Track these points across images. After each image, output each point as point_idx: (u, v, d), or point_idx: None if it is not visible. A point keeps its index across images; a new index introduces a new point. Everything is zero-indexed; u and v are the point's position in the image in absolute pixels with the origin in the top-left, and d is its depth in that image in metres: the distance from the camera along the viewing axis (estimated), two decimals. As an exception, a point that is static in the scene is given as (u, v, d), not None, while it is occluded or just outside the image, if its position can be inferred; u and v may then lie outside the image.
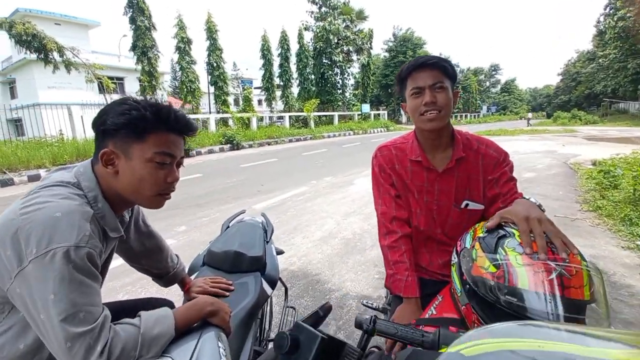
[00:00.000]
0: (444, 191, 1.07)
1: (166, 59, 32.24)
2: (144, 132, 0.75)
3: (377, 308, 1.42)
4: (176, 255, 1.19)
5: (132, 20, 14.77)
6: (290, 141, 16.46)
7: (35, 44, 10.49)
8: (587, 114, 32.50)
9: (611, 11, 30.91)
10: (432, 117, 0.97)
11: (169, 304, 1.11)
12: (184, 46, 16.97)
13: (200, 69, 19.22)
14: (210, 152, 12.32)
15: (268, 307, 1.55)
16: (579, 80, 42.89)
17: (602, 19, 34.00)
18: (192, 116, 16.17)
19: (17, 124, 17.61)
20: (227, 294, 1.09)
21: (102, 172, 0.77)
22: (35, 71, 17.92)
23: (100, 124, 0.76)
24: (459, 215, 1.07)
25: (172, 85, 37.52)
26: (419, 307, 1.02)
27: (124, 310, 0.95)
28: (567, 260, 0.60)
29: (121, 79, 22.96)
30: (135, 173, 0.76)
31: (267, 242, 1.44)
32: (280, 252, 1.60)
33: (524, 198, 0.85)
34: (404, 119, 36.50)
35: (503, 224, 0.74)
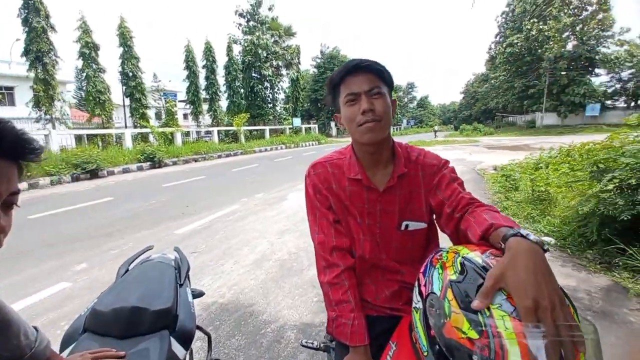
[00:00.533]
0: (387, 212, 0.94)
1: (70, 67, 28.32)
2: None
3: (319, 347, 1.24)
4: (35, 329, 0.84)
5: (25, 22, 12.63)
6: (220, 157, 15.62)
7: None
8: (485, 126, 37.84)
9: (501, 39, 37.04)
10: (371, 126, 0.84)
11: None
12: (89, 52, 15.03)
13: (114, 79, 17.28)
14: (126, 171, 10.95)
15: None
16: (477, 97, 49.97)
17: (493, 45, 40.51)
18: (103, 131, 14.52)
19: None
20: (116, 371, 0.80)
21: None
22: None
23: None
24: (401, 238, 0.95)
25: (77, 96, 33.00)
26: (368, 356, 0.88)
27: None
28: (565, 321, 0.47)
29: (11, 88, 19.36)
30: None
31: (181, 284, 1.16)
32: (199, 295, 1.33)
33: (521, 235, 0.57)
34: (334, 131, 37.87)
35: (484, 264, 0.57)
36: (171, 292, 1.03)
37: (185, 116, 30.20)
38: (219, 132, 19.64)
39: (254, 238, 3.96)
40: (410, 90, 74.24)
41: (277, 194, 6.44)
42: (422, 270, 0.66)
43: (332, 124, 39.07)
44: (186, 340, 1.00)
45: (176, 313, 1.00)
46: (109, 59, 18.14)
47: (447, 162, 0.98)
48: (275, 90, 27.29)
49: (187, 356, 1.16)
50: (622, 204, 2.82)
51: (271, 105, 26.84)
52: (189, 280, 1.28)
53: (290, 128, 26.52)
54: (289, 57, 27.45)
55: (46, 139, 11.12)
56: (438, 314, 0.56)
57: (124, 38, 16.49)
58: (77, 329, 0.94)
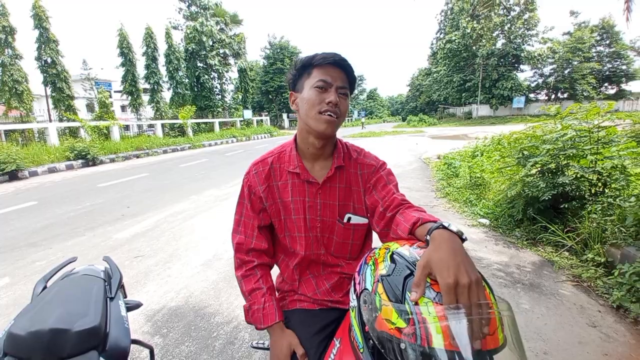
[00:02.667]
0: (327, 205, 0.96)
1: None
2: None
3: (269, 348, 1.21)
4: None
5: None
6: (165, 152, 14.61)
7: None
8: (429, 117, 40.32)
9: (441, 35, 39.36)
10: (330, 120, 0.86)
11: None
12: (4, 37, 12.97)
13: (33, 67, 15.13)
14: (52, 171, 9.72)
15: None
16: (421, 90, 52.84)
17: (434, 41, 42.95)
18: (22, 126, 12.70)
19: None
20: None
21: None
22: None
23: None
24: (343, 232, 0.98)
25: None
26: (288, 332, 0.93)
27: None
28: (481, 300, 0.51)
29: None
30: None
31: (112, 297, 1.05)
32: (135, 307, 1.21)
33: (443, 227, 0.62)
34: (286, 124, 37.52)
35: (412, 257, 0.60)
36: (98, 308, 0.93)
37: (123, 108, 27.73)
38: (163, 125, 18.31)
39: (203, 238, 3.77)
40: (360, 82, 75.99)
41: (228, 190, 6.20)
42: (357, 270, 0.68)
43: (284, 116, 38.65)
44: (120, 358, 0.90)
45: (106, 331, 0.90)
46: (28, 44, 15.88)
47: (384, 163, 1.02)
48: (224, 81, 26.12)
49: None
50: (544, 186, 3.18)
51: (220, 96, 25.67)
52: (123, 292, 1.17)
53: (241, 120, 25.66)
54: (236, 47, 26.36)
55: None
56: (370, 309, 0.57)
57: (39, 19, 14.43)
58: None
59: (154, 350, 1.28)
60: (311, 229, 0.97)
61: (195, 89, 23.35)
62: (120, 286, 1.13)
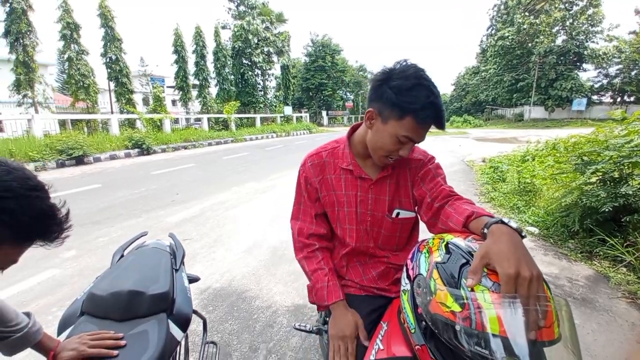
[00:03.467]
0: (378, 200, 1.00)
1: (52, 49, 27.22)
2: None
3: (312, 330, 1.28)
4: (26, 314, 0.84)
5: (5, 1, 12.03)
6: (210, 145, 15.42)
7: None
8: (475, 118, 38.36)
9: (492, 32, 37.16)
10: (390, 163, 0.92)
11: None
12: (70, 33, 14.42)
13: (99, 62, 16.68)
14: (113, 158, 10.71)
15: (183, 349, 1.27)
16: (468, 90, 50.31)
17: (484, 38, 40.65)
18: (88, 116, 14.08)
19: None
20: (115, 352, 0.81)
21: None
22: None
23: None
24: (391, 226, 1.02)
25: (59, 80, 31.86)
26: (352, 311, 0.96)
27: None
28: (539, 294, 0.52)
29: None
30: None
31: (177, 270, 1.17)
32: (194, 280, 1.34)
33: (502, 222, 0.62)
34: (325, 121, 37.72)
35: (468, 247, 0.61)
36: (167, 277, 1.04)
37: (173, 102, 29.55)
38: (209, 119, 19.31)
39: (245, 226, 3.97)
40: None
41: (268, 183, 6.43)
42: (409, 257, 0.71)
43: (324, 113, 38.88)
44: (183, 324, 1.01)
45: (173, 297, 1.01)
46: (94, 41, 17.51)
47: (433, 157, 1.04)
48: (266, 77, 26.86)
49: (184, 339, 1.18)
50: (604, 196, 2.93)
51: (262, 92, 26.45)
52: (184, 266, 1.29)
53: (281, 116, 26.26)
54: (280, 44, 26.94)
55: (29, 123, 10.76)
56: (424, 292, 0.60)
57: (105, 19, 15.83)
58: (75, 312, 0.95)
59: (206, 321, 1.40)
60: (362, 222, 1.02)
61: (240, 85, 24.27)
62: (182, 261, 1.26)
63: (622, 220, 2.92)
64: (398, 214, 1.00)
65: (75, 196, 5.53)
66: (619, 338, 1.92)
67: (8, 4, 12.13)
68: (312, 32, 43.69)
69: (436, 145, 14.40)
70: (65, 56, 14.82)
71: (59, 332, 0.91)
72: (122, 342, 0.83)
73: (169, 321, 0.95)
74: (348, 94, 48.53)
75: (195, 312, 1.22)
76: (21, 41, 12.53)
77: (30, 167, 8.28)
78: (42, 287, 2.59)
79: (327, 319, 1.15)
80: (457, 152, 11.51)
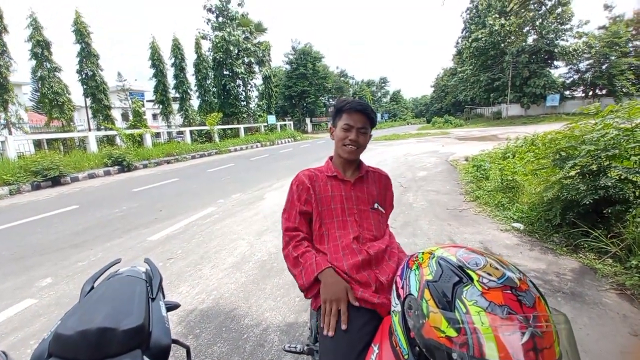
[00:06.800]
0: (361, 197, 1.27)
1: (26, 68, 26.38)
2: None
3: (302, 351, 1.22)
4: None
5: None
6: (194, 158, 15.15)
7: None
8: (455, 118, 39.16)
9: (466, 34, 38.26)
10: (351, 150, 1.23)
11: None
12: (41, 51, 14.02)
13: (74, 79, 16.25)
14: (92, 176, 10.36)
15: None
16: (447, 91, 51.57)
17: (459, 40, 41.81)
18: (63, 135, 13.63)
19: None
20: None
21: None
22: None
23: None
24: (374, 215, 1.27)
25: (34, 99, 30.84)
26: (338, 274, 1.07)
27: None
28: (536, 312, 0.49)
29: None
30: None
31: (153, 298, 1.10)
32: (174, 307, 1.26)
33: None
34: (309, 128, 37.82)
35: (459, 262, 0.59)
36: (142, 308, 0.97)
37: (154, 116, 29.03)
38: (191, 132, 19.02)
39: (231, 240, 3.87)
40: (383, 84, 75.23)
41: (254, 194, 6.33)
42: (399, 274, 0.66)
43: (307, 120, 38.97)
44: (161, 357, 0.94)
45: (149, 330, 0.94)
46: (69, 57, 17.07)
47: (389, 178, 1.42)
48: (248, 87, 26.75)
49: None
50: (585, 189, 2.99)
51: (245, 103, 26.29)
52: (162, 293, 1.22)
53: (265, 126, 26.15)
54: (261, 54, 26.95)
55: (2, 145, 10.31)
56: (417, 315, 0.56)
57: (81, 34, 15.48)
58: (42, 354, 0.86)
59: (190, 349, 1.32)
60: (349, 215, 1.23)
61: (222, 97, 24.06)
62: (160, 287, 1.19)
63: (604, 212, 2.99)
64: (377, 206, 1.28)
65: (51, 219, 5.29)
66: (611, 331, 1.93)
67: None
68: (294, 40, 44.00)
69: (419, 146, 14.61)
70: (38, 75, 14.36)
71: None
72: (91, 388, 0.76)
73: (145, 358, 0.88)
74: (330, 99, 48.89)
75: (175, 341, 1.15)
76: (-7, 62, 12.11)
77: (4, 190, 7.91)
78: (19, 318, 2.44)
79: (318, 336, 1.10)
80: (440, 152, 11.69)
